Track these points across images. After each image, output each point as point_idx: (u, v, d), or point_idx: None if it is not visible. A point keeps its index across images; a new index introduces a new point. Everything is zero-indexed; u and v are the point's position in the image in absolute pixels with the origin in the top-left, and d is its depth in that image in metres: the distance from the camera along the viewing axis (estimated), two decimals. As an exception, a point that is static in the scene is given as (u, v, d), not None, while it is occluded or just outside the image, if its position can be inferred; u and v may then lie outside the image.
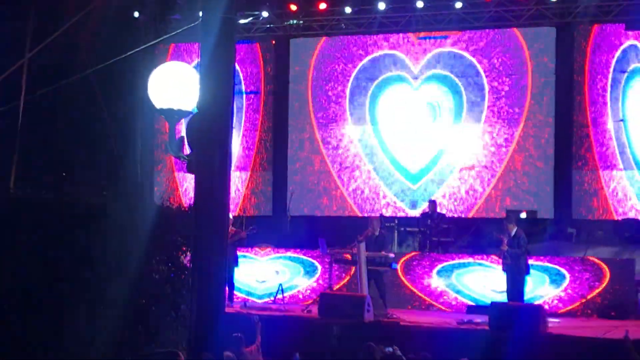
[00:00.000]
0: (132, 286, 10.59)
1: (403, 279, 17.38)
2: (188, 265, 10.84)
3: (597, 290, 16.20)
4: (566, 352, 13.04)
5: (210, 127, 6.96)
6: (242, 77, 22.01)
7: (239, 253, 17.26)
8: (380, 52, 21.22)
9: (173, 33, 12.47)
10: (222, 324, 7.09)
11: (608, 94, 19.35)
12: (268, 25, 21.58)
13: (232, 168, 21.46)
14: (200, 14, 7.43)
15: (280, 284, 17.62)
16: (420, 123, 20.80)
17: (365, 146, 21.22)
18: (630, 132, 19.12)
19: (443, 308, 17.09)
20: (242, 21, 20.68)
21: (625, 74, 19.22)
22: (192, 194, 7.97)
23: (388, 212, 20.54)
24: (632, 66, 19.16)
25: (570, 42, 19.66)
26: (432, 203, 19.06)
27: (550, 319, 14.53)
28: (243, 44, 21.78)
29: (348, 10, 20.62)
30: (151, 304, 10.84)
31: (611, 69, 19.39)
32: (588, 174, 19.42)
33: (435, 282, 17.26)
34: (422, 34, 20.82)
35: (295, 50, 21.95)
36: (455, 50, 20.62)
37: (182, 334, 10.50)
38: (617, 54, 19.32)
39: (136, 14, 21.18)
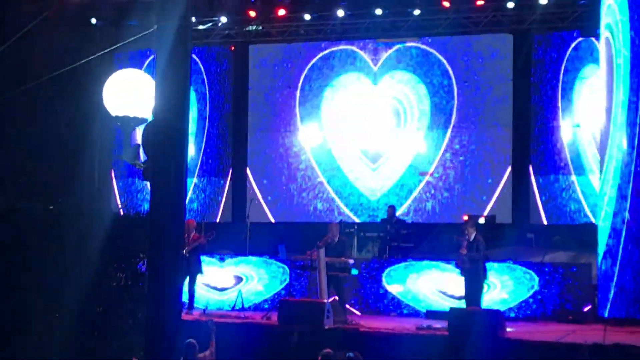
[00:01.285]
0: (88, 293, 10.51)
1: (363, 284, 17.38)
2: (145, 272, 10.77)
3: (553, 295, 16.32)
4: (524, 356, 13.11)
5: (165, 135, 6.90)
6: (207, 85, 21.99)
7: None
8: (341, 59, 21.30)
9: (129, 40, 12.39)
10: (178, 332, 7.05)
11: (572, 101, 19.55)
12: (227, 32, 21.53)
13: (192, 174, 21.53)
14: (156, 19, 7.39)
15: (240, 291, 17.57)
16: (380, 128, 20.91)
17: (325, 151, 21.26)
18: (584, 138, 19.33)
19: (402, 313, 17.12)
20: (200, 27, 20.62)
21: (580, 80, 19.46)
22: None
23: (348, 207, 20.63)
24: (586, 72, 19.39)
25: (527, 49, 19.85)
26: (392, 208, 19.14)
27: (509, 324, 14.61)
28: (202, 50, 21.76)
29: (307, 17, 20.62)
30: (108, 311, 10.75)
31: (567, 76, 19.59)
32: (545, 180, 19.61)
33: (395, 287, 17.29)
34: (380, 40, 20.92)
35: (254, 56, 21.93)
36: (417, 53, 20.75)
37: (139, 341, 10.43)
38: (573, 60, 19.55)
39: (93, 21, 21.05)
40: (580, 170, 19.41)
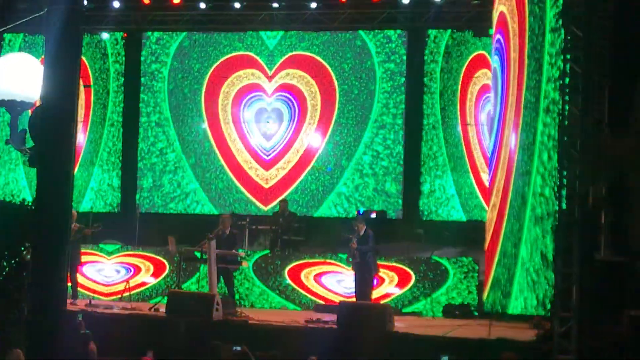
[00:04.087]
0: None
1: (253, 277, 17.35)
2: (30, 262, 10.55)
3: (443, 290, 16.56)
4: (411, 350, 13.24)
5: (54, 120, 6.75)
6: (90, 71, 21.60)
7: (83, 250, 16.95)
8: (235, 52, 21.19)
9: (17, 23, 12.08)
10: (62, 322, 6.90)
11: (457, 98, 19.90)
12: (120, 18, 21.16)
13: (81, 163, 21.14)
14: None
15: (127, 282, 17.33)
16: (274, 122, 20.91)
17: (218, 144, 21.14)
18: (476, 136, 19.70)
19: (292, 306, 17.14)
20: (92, 13, 20.20)
21: (473, 79, 19.81)
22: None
23: (240, 209, 20.55)
24: (479, 71, 19.75)
25: (421, 47, 20.09)
26: (284, 202, 19.13)
27: (397, 318, 14.73)
28: (93, 36, 21.35)
29: (203, 6, 20.43)
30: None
31: (459, 75, 19.92)
32: (436, 176, 19.89)
33: (285, 280, 17.30)
34: (276, 34, 20.91)
35: (148, 44, 21.65)
36: (308, 51, 20.78)
37: (24, 332, 10.22)
38: (466, 59, 19.90)
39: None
40: (471, 167, 19.76)
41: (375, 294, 16.19)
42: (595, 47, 12.33)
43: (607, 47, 13.01)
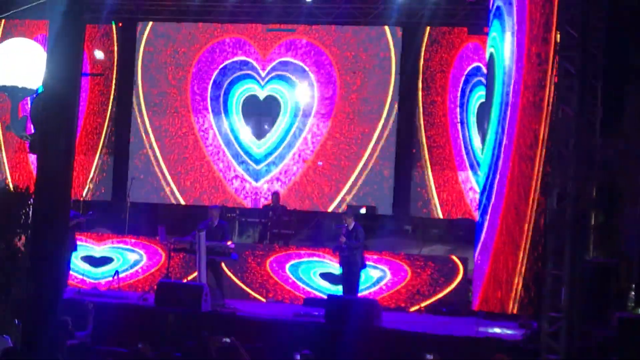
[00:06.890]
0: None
1: (241, 269, 17.34)
2: (22, 248, 10.56)
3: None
4: (398, 346, 13.30)
5: (55, 107, 6.74)
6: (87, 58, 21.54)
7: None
8: (227, 37, 21.17)
9: (21, 8, 12.04)
10: (59, 310, 6.91)
11: (457, 97, 19.96)
12: (115, 7, 21.09)
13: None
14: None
15: (117, 271, 17.31)
16: (267, 115, 20.92)
17: (208, 136, 21.12)
18: (468, 135, 19.75)
19: (281, 300, 17.15)
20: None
21: (468, 78, 19.87)
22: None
23: (232, 191, 20.61)
24: (473, 69, 19.80)
25: (417, 43, 20.12)
26: (275, 195, 19.16)
27: (385, 313, 14.78)
28: (91, 24, 21.27)
29: (198, -3, 20.39)
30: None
31: (456, 72, 19.96)
32: (427, 174, 19.94)
33: (274, 273, 17.31)
34: (270, 26, 20.88)
35: (143, 34, 21.59)
36: (305, 43, 20.79)
37: (10, 318, 10.24)
38: (461, 57, 19.94)
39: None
40: (461, 166, 19.83)
41: (363, 288, 16.20)
42: (590, 48, 12.36)
43: (601, 48, 13.04)
